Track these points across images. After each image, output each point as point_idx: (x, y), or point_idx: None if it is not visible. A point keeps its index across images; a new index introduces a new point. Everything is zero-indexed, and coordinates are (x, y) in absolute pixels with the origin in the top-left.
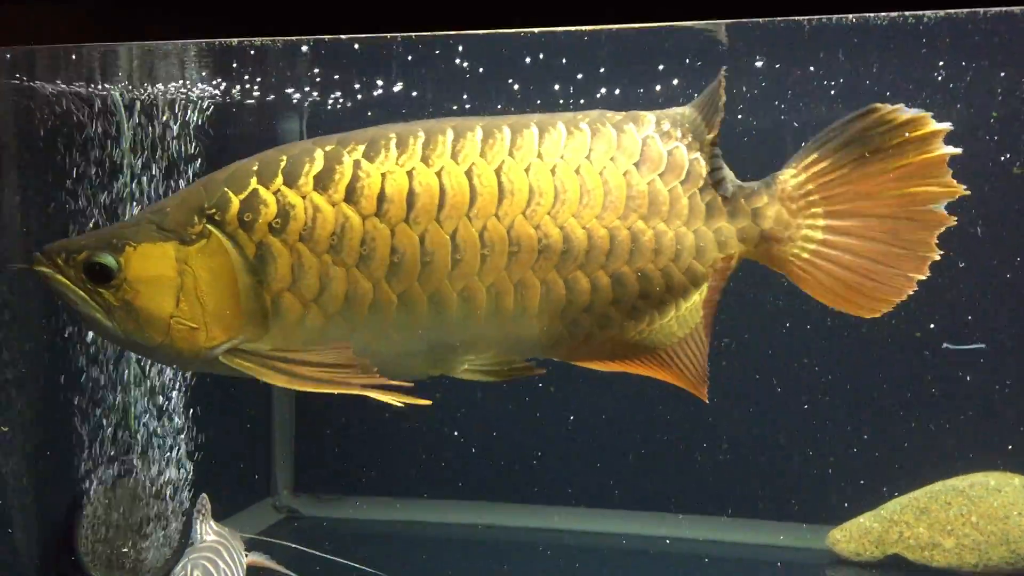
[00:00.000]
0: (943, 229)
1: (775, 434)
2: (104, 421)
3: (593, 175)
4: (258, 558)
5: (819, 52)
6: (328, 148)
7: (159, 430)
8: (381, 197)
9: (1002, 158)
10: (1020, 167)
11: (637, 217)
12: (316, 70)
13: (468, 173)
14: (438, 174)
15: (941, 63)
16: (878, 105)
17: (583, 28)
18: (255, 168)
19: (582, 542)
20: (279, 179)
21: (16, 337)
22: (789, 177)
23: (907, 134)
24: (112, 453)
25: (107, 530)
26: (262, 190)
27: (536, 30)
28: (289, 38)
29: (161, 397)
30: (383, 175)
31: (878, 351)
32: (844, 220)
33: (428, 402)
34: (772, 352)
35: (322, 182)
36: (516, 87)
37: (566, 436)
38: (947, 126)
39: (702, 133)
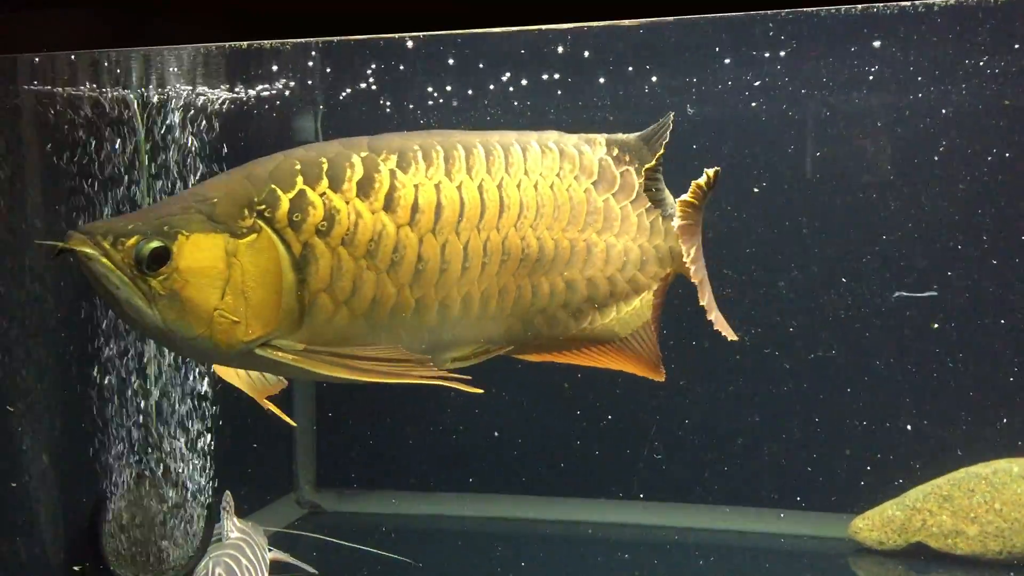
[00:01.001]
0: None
1: (797, 423)
2: (128, 420)
3: (562, 191)
4: (281, 555)
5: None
6: (363, 155)
7: (182, 428)
8: (414, 208)
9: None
10: None
11: (593, 231)
12: (328, 68)
13: (479, 188)
14: (458, 188)
15: (945, 49)
16: None
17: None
18: (298, 168)
19: (603, 534)
20: (324, 182)
21: (41, 334)
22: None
23: None
24: (136, 451)
25: (131, 528)
26: (309, 192)
27: (563, 26)
28: (299, 40)
29: (184, 395)
30: (415, 186)
31: (899, 340)
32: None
33: (480, 390)
34: (793, 342)
35: (364, 189)
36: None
37: (586, 429)
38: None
39: (647, 160)
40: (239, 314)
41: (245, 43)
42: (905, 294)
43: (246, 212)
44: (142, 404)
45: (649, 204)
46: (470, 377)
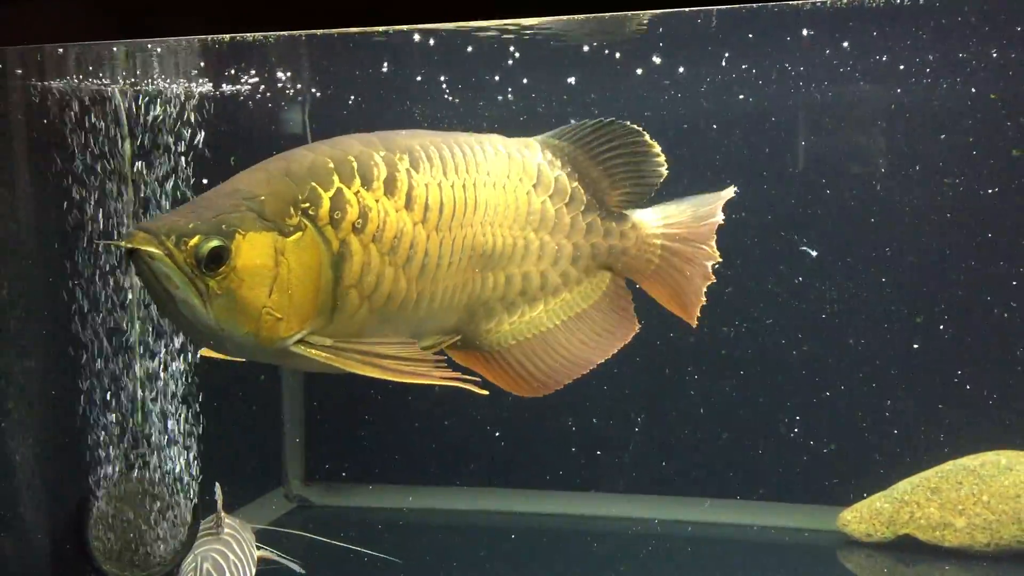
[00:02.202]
0: (709, 281)
1: (785, 416)
2: (113, 415)
3: (511, 192)
4: (268, 552)
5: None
6: (383, 154)
7: (169, 423)
8: (426, 206)
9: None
10: (1020, 149)
11: (531, 229)
12: (317, 62)
13: (464, 187)
14: (451, 187)
15: (938, 43)
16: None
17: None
18: (331, 166)
19: (594, 527)
20: (357, 181)
21: (24, 332)
22: (648, 214)
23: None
24: (122, 447)
25: (117, 524)
26: (345, 190)
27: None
28: (290, 32)
29: (171, 389)
30: (426, 185)
31: (887, 333)
32: (673, 254)
33: (486, 392)
34: (781, 336)
35: (389, 188)
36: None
37: (577, 423)
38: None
39: (582, 165)
40: (283, 311)
41: (227, 36)
42: (806, 249)
43: (292, 210)
44: (128, 400)
45: (584, 206)
46: (479, 379)
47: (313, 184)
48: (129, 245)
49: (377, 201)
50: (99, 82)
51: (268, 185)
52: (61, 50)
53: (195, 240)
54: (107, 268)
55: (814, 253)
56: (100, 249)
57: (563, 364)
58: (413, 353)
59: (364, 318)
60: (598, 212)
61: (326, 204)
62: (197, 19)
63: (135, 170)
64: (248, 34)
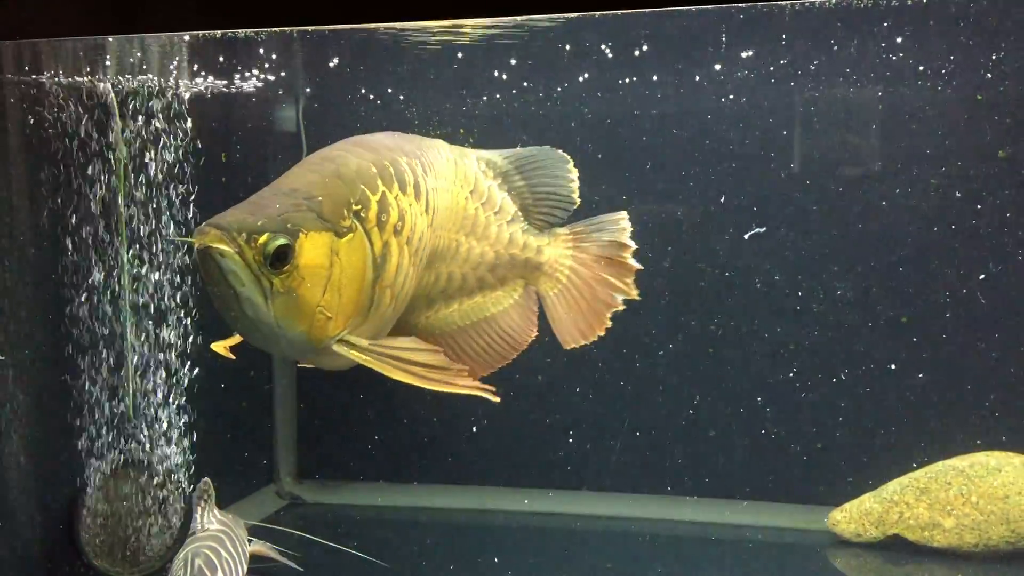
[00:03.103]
0: (614, 309)
1: (774, 415)
2: (104, 410)
3: (455, 197)
4: (261, 547)
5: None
6: (407, 159)
7: (160, 418)
8: (435, 210)
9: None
10: (1006, 150)
11: (463, 233)
12: (311, 59)
13: (439, 190)
14: (443, 191)
15: (924, 44)
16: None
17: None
18: (374, 170)
19: (582, 525)
20: (396, 185)
21: (13, 325)
22: (563, 235)
23: (620, 248)
24: (113, 442)
25: (108, 519)
26: (388, 194)
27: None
28: (287, 29)
29: (162, 385)
30: (434, 190)
31: (876, 334)
32: (579, 277)
33: (497, 399)
34: (771, 335)
35: (417, 192)
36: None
37: (567, 421)
38: (634, 245)
39: (512, 181)
40: (333, 310)
41: (218, 32)
42: (755, 231)
43: (345, 212)
44: (120, 395)
45: (510, 218)
46: (494, 388)
47: (363, 187)
48: (202, 242)
49: (410, 205)
50: (90, 77)
51: (324, 187)
52: (50, 45)
53: (264, 238)
54: (98, 263)
55: (762, 230)
56: (166, 245)
57: (466, 363)
58: (440, 361)
59: (387, 317)
60: (521, 225)
61: (374, 207)
62: (192, 14)
63: (125, 165)
64: (240, 30)
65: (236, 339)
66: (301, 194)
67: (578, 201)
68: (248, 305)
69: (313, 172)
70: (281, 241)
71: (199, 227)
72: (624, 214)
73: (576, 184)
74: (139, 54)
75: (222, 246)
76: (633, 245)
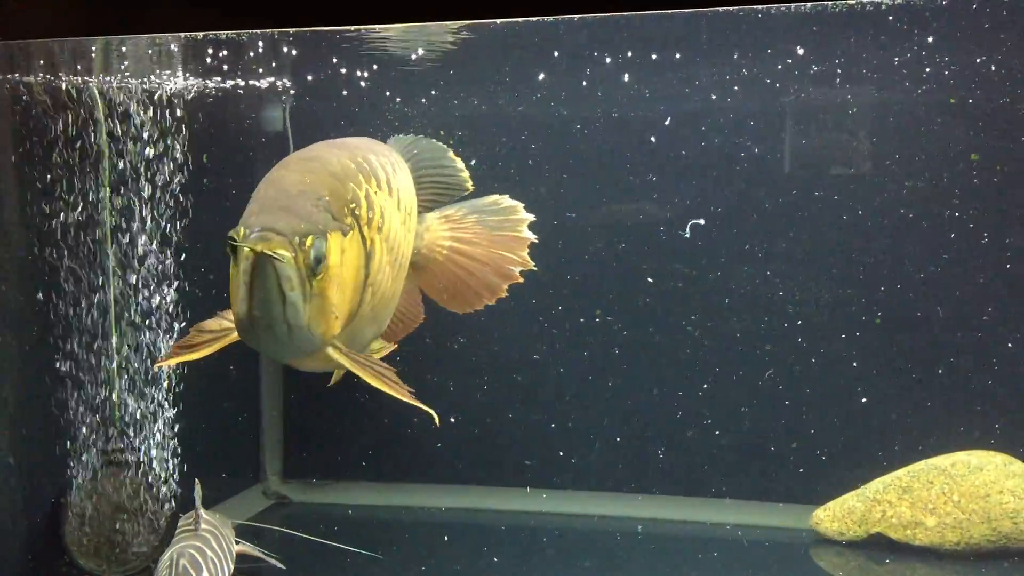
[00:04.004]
0: (512, 281)
1: (759, 415)
2: (89, 410)
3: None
4: (248, 547)
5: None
6: (375, 158)
7: (146, 418)
8: (407, 208)
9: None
10: (977, 155)
11: (405, 229)
12: (298, 60)
13: (408, 189)
14: (406, 189)
15: (897, 47)
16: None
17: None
18: (354, 168)
19: (568, 524)
20: (374, 181)
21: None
22: (435, 218)
23: (508, 216)
24: (99, 442)
25: (94, 519)
26: (370, 190)
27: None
28: (277, 30)
29: (148, 385)
30: (404, 188)
31: (860, 331)
32: (461, 255)
33: (436, 420)
34: (754, 335)
35: (391, 189)
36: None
37: (553, 420)
38: (531, 217)
39: (419, 174)
40: (340, 310)
41: (201, 33)
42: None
43: (346, 210)
44: (106, 395)
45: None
46: (429, 409)
47: (352, 184)
48: (266, 248)
49: (386, 202)
50: (77, 78)
51: (326, 186)
52: (39, 45)
53: (310, 241)
54: (80, 263)
55: (701, 222)
56: (225, 248)
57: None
58: (392, 372)
59: (367, 316)
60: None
61: (364, 204)
62: (188, 14)
63: (112, 167)
64: (228, 31)
65: (179, 358)
66: (313, 194)
67: (471, 187)
68: (292, 309)
69: (306, 172)
70: (320, 243)
71: (254, 232)
72: (506, 196)
73: (465, 172)
74: (123, 50)
75: (284, 251)
76: (529, 218)
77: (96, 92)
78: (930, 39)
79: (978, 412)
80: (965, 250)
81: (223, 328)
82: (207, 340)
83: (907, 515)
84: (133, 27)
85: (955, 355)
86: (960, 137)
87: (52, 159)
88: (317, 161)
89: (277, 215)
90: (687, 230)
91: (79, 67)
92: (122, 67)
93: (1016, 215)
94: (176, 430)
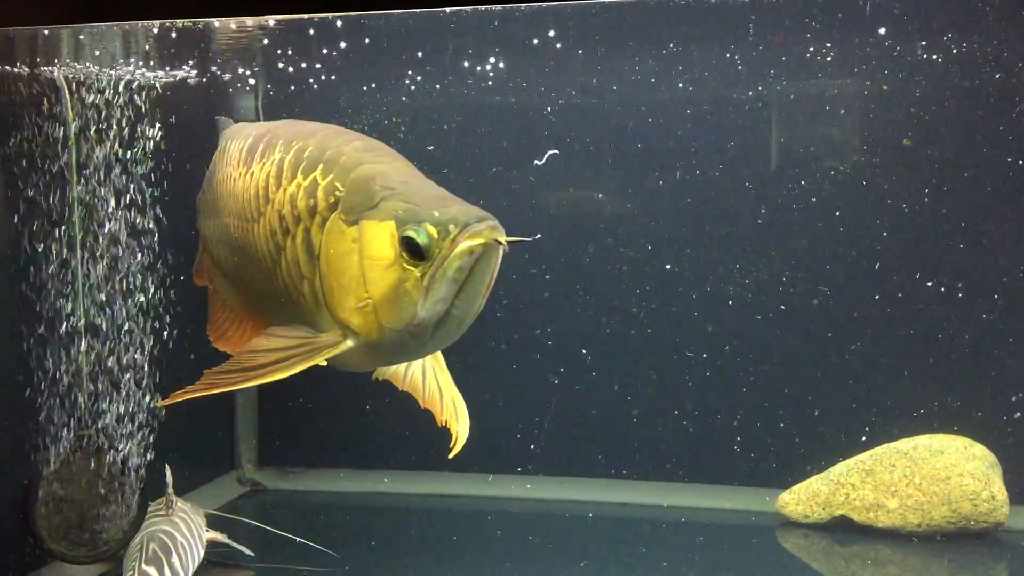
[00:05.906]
0: None
1: (725, 399)
2: (63, 395)
3: None
4: (218, 535)
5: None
6: (345, 142)
7: (119, 404)
8: None
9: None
10: (910, 138)
11: None
12: (271, 49)
13: None
14: None
15: (831, 35)
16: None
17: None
18: (328, 155)
19: (540, 509)
20: (338, 167)
21: None
22: None
23: None
24: (71, 427)
25: (65, 504)
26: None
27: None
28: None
29: (122, 370)
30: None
31: (824, 318)
32: None
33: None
34: (718, 319)
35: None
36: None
37: (525, 407)
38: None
39: None
40: None
41: (180, 22)
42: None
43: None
44: (77, 379)
45: None
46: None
47: (342, 172)
48: (506, 238)
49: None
50: (44, 68)
51: (349, 174)
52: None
53: None
54: (51, 249)
55: (555, 152)
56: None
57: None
58: None
59: None
60: None
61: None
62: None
63: (77, 157)
64: (207, 20)
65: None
66: (387, 183)
67: None
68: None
69: (397, 159)
70: None
71: (488, 223)
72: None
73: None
74: (103, 45)
75: (504, 241)
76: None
77: (63, 79)
78: (865, 25)
79: (941, 397)
80: (924, 235)
81: (299, 339)
82: (281, 359)
83: (870, 498)
84: (112, 15)
85: (919, 340)
86: (894, 123)
87: (16, 148)
88: (383, 149)
89: (463, 205)
90: (543, 159)
91: (45, 56)
92: (95, 55)
93: (958, 198)
94: (149, 415)
